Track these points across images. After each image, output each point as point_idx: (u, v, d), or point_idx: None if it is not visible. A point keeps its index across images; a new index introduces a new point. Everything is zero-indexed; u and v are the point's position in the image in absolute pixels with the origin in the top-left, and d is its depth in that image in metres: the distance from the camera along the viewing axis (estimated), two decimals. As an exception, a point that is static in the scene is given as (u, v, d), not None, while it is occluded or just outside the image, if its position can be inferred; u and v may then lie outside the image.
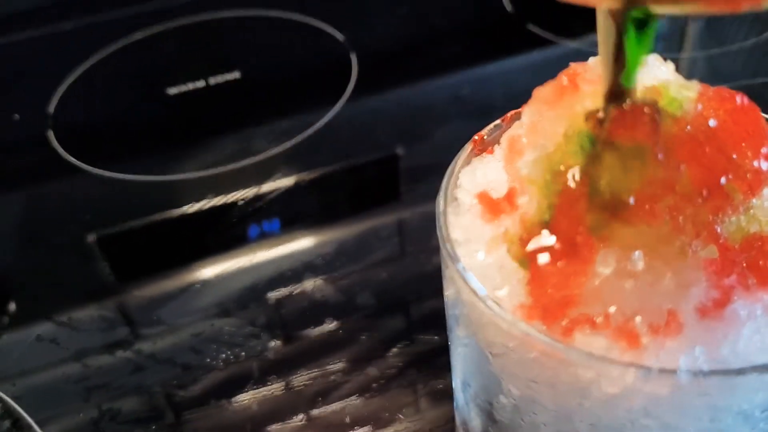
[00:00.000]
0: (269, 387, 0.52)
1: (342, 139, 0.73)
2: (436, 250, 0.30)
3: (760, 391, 0.24)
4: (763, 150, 0.25)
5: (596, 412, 0.26)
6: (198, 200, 0.67)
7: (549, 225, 0.26)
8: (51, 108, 0.79)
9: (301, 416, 0.50)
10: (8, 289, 0.62)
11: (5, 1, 0.89)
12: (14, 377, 0.54)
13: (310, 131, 0.73)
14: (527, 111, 0.28)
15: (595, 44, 0.26)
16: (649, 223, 0.24)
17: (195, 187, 0.68)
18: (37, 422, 0.51)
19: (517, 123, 0.30)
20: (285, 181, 0.68)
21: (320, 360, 0.53)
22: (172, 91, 0.80)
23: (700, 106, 0.25)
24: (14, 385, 0.53)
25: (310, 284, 0.59)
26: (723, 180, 0.24)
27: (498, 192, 0.30)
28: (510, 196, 0.28)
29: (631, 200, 0.24)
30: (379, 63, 0.83)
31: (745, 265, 0.24)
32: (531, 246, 0.26)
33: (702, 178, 0.24)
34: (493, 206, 0.29)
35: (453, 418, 0.39)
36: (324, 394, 0.51)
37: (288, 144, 0.72)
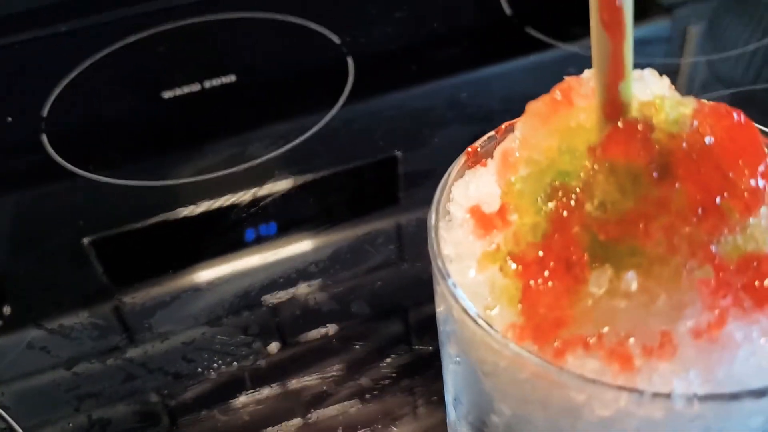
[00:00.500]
0: (263, 393, 0.52)
1: (338, 143, 0.72)
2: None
3: (755, 416, 0.23)
4: (760, 168, 0.24)
5: (589, 435, 0.25)
6: (192, 206, 0.66)
7: (541, 243, 0.26)
8: (45, 111, 0.78)
9: (295, 422, 0.50)
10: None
11: (1, 3, 0.89)
12: (4, 385, 0.53)
13: (305, 135, 0.72)
14: (520, 125, 0.27)
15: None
16: (643, 243, 0.24)
17: (190, 193, 0.68)
18: (25, 430, 0.50)
19: (510, 136, 0.30)
20: (281, 186, 0.68)
21: (315, 366, 0.53)
22: (167, 94, 0.79)
23: (696, 123, 0.24)
24: (3, 394, 0.53)
25: (305, 290, 0.58)
26: (719, 199, 0.23)
27: (491, 206, 0.30)
28: (502, 212, 0.28)
29: (626, 219, 0.24)
30: (376, 66, 0.82)
31: (740, 286, 0.24)
32: (523, 265, 0.26)
33: (698, 197, 0.24)
34: (485, 221, 0.29)
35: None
36: (319, 400, 0.51)
37: (284, 148, 0.71)
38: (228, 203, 0.66)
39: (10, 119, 0.79)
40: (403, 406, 0.50)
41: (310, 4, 0.90)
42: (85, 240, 0.64)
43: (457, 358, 0.29)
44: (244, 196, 0.67)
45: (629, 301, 0.24)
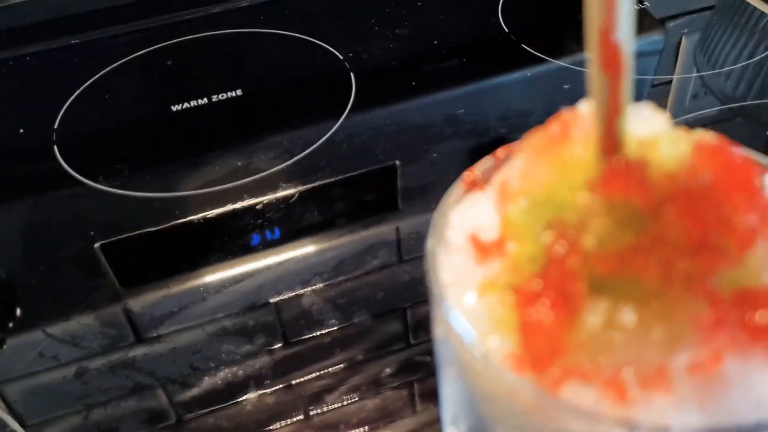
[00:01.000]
0: (268, 395, 0.51)
1: (341, 156, 0.72)
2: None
3: (750, 450, 0.23)
4: (757, 203, 0.23)
5: (585, 464, 0.25)
6: (199, 215, 0.66)
7: (540, 274, 0.25)
8: (56, 123, 0.78)
9: (298, 422, 0.49)
10: (9, 303, 0.61)
11: (13, 16, 0.88)
12: (14, 394, 0.53)
13: (310, 149, 0.72)
14: (518, 157, 0.27)
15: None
16: (639, 277, 0.23)
17: (196, 203, 0.67)
18: (33, 438, 0.50)
19: (509, 166, 0.29)
20: (285, 197, 0.67)
21: (318, 369, 0.53)
22: (176, 107, 0.79)
23: (692, 159, 0.24)
24: (15, 402, 0.52)
25: (308, 296, 0.58)
26: (715, 235, 0.23)
27: (489, 234, 0.29)
28: (501, 242, 0.27)
29: (623, 253, 0.23)
30: (377, 81, 0.82)
31: (736, 321, 0.23)
32: (521, 295, 0.25)
33: (694, 233, 0.23)
34: (483, 249, 0.28)
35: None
36: (322, 401, 0.50)
37: (288, 161, 0.71)
38: (234, 213, 0.66)
39: (21, 131, 0.78)
40: (406, 405, 0.50)
41: (314, 21, 0.90)
42: (94, 250, 0.64)
43: (454, 382, 0.29)
44: (250, 207, 0.66)
45: (626, 334, 0.24)
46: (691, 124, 0.74)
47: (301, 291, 0.58)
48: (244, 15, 0.92)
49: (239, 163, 0.71)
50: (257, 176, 0.69)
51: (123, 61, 0.85)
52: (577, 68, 0.78)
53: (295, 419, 0.50)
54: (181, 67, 0.86)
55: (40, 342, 0.56)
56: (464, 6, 0.93)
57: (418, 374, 0.52)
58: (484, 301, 0.27)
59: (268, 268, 0.61)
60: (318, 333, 0.55)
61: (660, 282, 0.23)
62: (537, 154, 0.26)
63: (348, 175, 0.69)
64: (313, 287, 0.59)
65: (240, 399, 0.51)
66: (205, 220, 0.65)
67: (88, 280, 0.61)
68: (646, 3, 0.92)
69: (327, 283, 0.59)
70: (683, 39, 0.86)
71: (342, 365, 0.53)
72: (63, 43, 0.89)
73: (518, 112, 0.75)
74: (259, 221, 0.65)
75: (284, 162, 0.70)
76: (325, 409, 0.50)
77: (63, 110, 0.79)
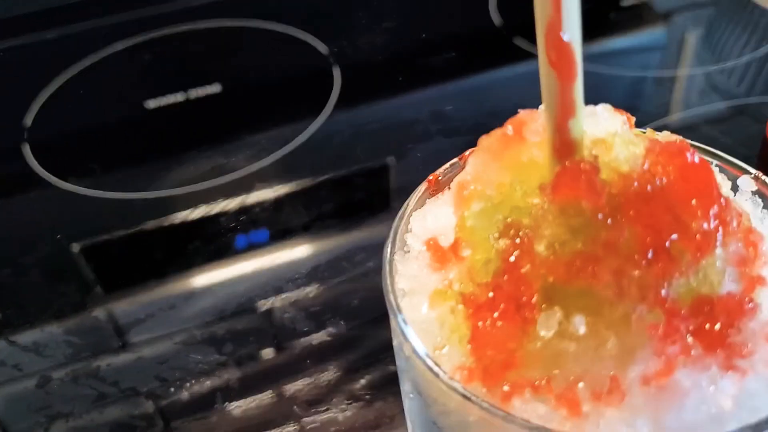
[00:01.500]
0: (253, 400, 0.51)
1: (323, 153, 0.72)
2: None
3: (705, 465, 0.23)
4: (713, 209, 0.24)
5: (538, 479, 0.25)
6: (175, 217, 0.66)
7: (491, 282, 0.25)
8: (28, 121, 0.78)
9: (287, 428, 0.50)
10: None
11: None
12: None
13: (288, 147, 0.72)
14: (472, 160, 0.27)
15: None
16: (591, 286, 0.23)
17: (172, 205, 0.67)
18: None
19: (467, 167, 0.29)
20: (263, 197, 0.67)
21: (305, 373, 0.53)
22: (151, 104, 0.79)
23: (647, 162, 0.24)
24: (-26, 413, 0.52)
25: (287, 299, 0.58)
26: (669, 241, 0.23)
27: (448, 238, 0.29)
28: (456, 247, 0.27)
29: (575, 261, 0.23)
30: (362, 76, 0.82)
31: (691, 330, 0.23)
32: (472, 304, 0.25)
33: (647, 239, 0.23)
34: (440, 255, 0.28)
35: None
36: (310, 406, 0.51)
37: (266, 159, 0.71)
38: (210, 214, 0.66)
39: (-7, 128, 0.78)
40: (394, 413, 0.50)
41: (297, 13, 0.90)
42: (62, 254, 0.64)
43: (411, 395, 0.29)
44: (226, 208, 0.66)
45: (578, 344, 0.24)
46: (694, 121, 0.74)
47: (284, 297, 0.58)
48: (224, 8, 0.92)
49: (216, 161, 0.71)
50: (234, 174, 0.69)
51: (98, 56, 0.85)
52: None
53: (284, 425, 0.50)
54: (157, 62, 0.86)
55: (2, 351, 0.56)
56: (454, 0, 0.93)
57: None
58: (437, 310, 0.27)
59: (248, 272, 0.61)
60: (302, 341, 0.55)
61: (612, 290, 0.23)
62: (492, 156, 0.26)
63: (332, 174, 0.70)
64: (295, 293, 0.59)
65: (216, 409, 0.51)
66: (181, 222, 0.66)
67: (57, 286, 0.61)
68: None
69: (308, 288, 0.59)
70: (687, 34, 0.86)
71: (327, 374, 0.53)
72: (36, 38, 0.89)
73: (509, 108, 0.74)
74: (238, 224, 0.65)
75: (264, 161, 0.70)
76: (313, 416, 0.50)
77: (35, 108, 0.79)
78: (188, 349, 0.55)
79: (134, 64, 0.85)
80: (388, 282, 0.28)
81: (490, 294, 0.25)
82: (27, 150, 0.74)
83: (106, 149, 0.76)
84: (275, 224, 0.65)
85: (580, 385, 0.24)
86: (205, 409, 0.51)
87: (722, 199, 0.24)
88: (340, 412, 0.50)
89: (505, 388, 0.24)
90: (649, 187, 0.23)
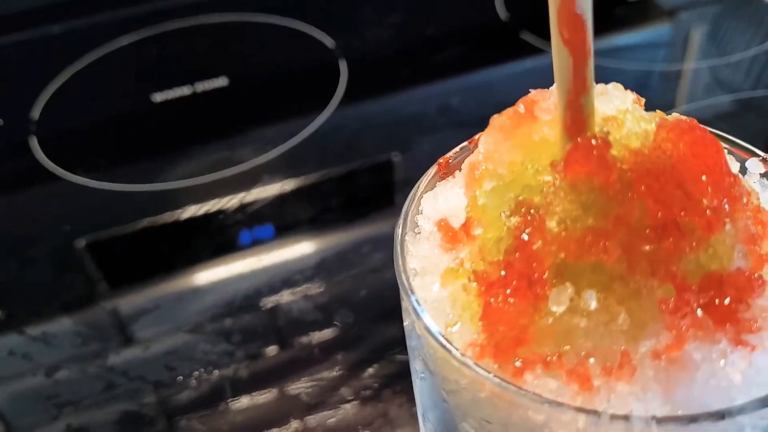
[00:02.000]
0: (255, 397, 0.52)
1: (329, 147, 0.72)
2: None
3: (715, 438, 0.23)
4: (724, 184, 0.24)
5: (549, 454, 0.25)
6: (182, 210, 0.66)
7: (503, 260, 0.25)
8: (35, 114, 0.78)
9: (290, 425, 0.50)
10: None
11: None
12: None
13: (295, 140, 0.72)
14: (484, 139, 0.27)
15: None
16: (602, 261, 0.24)
17: (179, 197, 0.68)
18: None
19: (477, 149, 0.29)
20: (269, 190, 0.68)
21: (308, 370, 0.53)
22: (158, 97, 0.80)
23: (658, 139, 0.24)
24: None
25: (293, 294, 0.58)
26: (680, 217, 0.23)
27: (458, 219, 0.29)
28: (467, 226, 0.28)
29: (586, 236, 0.24)
30: (369, 70, 0.82)
31: (701, 305, 0.23)
32: (484, 282, 0.25)
33: (658, 214, 0.23)
34: (451, 235, 0.29)
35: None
36: (312, 403, 0.51)
37: (273, 152, 0.71)
38: (216, 208, 0.66)
39: (0, 121, 0.79)
40: (397, 409, 0.50)
41: (303, 7, 0.91)
42: (70, 246, 0.65)
43: (423, 374, 0.29)
44: (233, 201, 0.67)
45: (589, 320, 0.24)
46: (700, 116, 0.74)
47: (291, 291, 0.59)
48: (231, 2, 0.92)
49: (222, 154, 0.72)
50: (240, 167, 0.70)
51: (105, 50, 0.85)
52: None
53: (285, 424, 0.50)
54: (165, 55, 0.86)
55: (11, 341, 0.56)
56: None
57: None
58: (449, 289, 0.27)
59: (256, 265, 0.61)
60: (309, 335, 0.55)
61: (623, 265, 0.24)
62: (503, 135, 0.26)
63: (338, 168, 0.70)
64: (302, 287, 0.59)
65: (223, 403, 0.51)
66: (188, 214, 0.66)
67: (65, 278, 0.62)
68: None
69: (316, 282, 0.59)
70: (692, 29, 0.86)
71: (335, 368, 0.53)
72: (44, 31, 0.89)
73: (515, 102, 0.75)
74: (244, 216, 0.65)
75: (271, 153, 0.71)
76: (316, 413, 0.50)
77: (43, 101, 0.80)
78: (195, 342, 0.56)
79: (141, 57, 0.86)
80: (400, 262, 0.29)
81: (502, 272, 0.25)
82: (34, 143, 0.75)
83: (113, 142, 0.76)
84: (281, 218, 0.66)
85: (591, 360, 0.24)
86: (211, 402, 0.52)
87: (732, 176, 0.24)
88: (346, 406, 0.50)
89: (517, 363, 0.24)
90: (659, 163, 0.24)
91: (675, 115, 0.29)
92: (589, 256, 0.24)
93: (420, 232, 0.31)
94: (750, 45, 0.82)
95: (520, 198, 0.26)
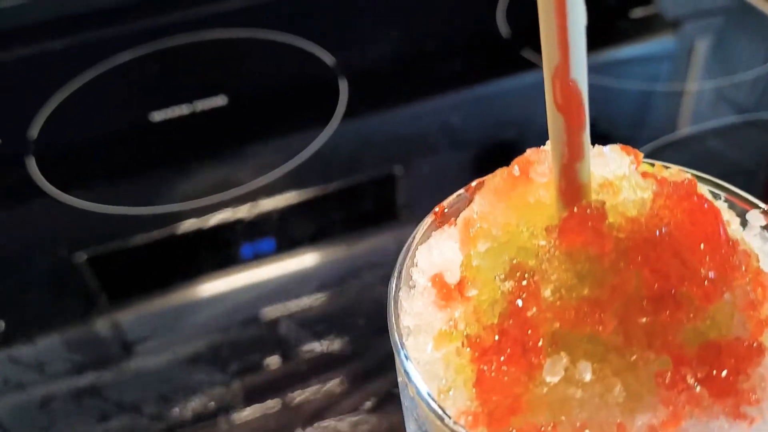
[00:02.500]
0: (257, 409, 0.52)
1: (330, 165, 0.72)
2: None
3: None
4: (723, 253, 0.23)
5: None
6: (180, 230, 0.66)
7: (497, 324, 0.25)
8: (33, 132, 0.78)
9: None
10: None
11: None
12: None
13: (297, 158, 0.72)
14: (478, 200, 0.27)
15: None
16: (598, 332, 0.23)
17: (177, 220, 0.67)
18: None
19: (473, 203, 0.29)
20: (272, 207, 0.67)
21: (310, 382, 0.53)
22: (157, 116, 0.79)
23: (655, 206, 0.24)
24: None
25: (296, 309, 0.58)
26: (677, 288, 0.23)
27: (453, 273, 0.29)
28: (461, 286, 0.27)
29: (582, 306, 0.23)
30: (369, 88, 0.82)
31: (699, 378, 0.23)
32: (478, 347, 0.25)
33: (655, 285, 0.23)
34: (445, 293, 0.28)
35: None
36: (315, 415, 0.51)
37: (275, 172, 0.71)
38: (216, 227, 0.66)
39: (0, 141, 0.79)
40: (397, 425, 0.50)
41: (303, 24, 0.90)
42: (66, 266, 0.64)
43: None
44: (233, 221, 0.67)
45: (585, 391, 0.24)
46: (704, 134, 0.74)
47: (289, 309, 0.58)
48: (230, 19, 0.92)
49: (221, 174, 0.71)
50: (240, 187, 0.69)
51: (103, 67, 0.85)
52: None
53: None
54: (163, 73, 0.86)
55: (3, 370, 0.56)
56: (461, 10, 0.93)
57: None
58: (443, 350, 0.27)
59: (253, 285, 0.61)
60: (312, 349, 0.55)
61: (619, 337, 0.23)
62: (498, 196, 0.26)
63: (338, 187, 0.70)
64: (301, 305, 0.59)
65: (222, 419, 0.51)
66: (185, 237, 0.66)
67: (59, 301, 0.62)
68: (655, 7, 0.91)
69: (314, 300, 0.59)
70: (695, 47, 0.86)
71: (333, 386, 0.53)
72: (42, 48, 0.89)
73: (516, 119, 0.75)
74: (243, 237, 0.65)
75: (270, 174, 0.70)
76: (318, 427, 0.50)
77: (41, 120, 0.79)
78: (193, 360, 0.56)
79: (139, 75, 0.86)
80: (393, 320, 0.28)
81: (496, 337, 0.25)
82: (32, 163, 0.74)
83: (111, 162, 0.76)
84: (282, 235, 0.65)
85: (587, 432, 0.23)
86: (210, 420, 0.51)
87: (730, 243, 0.24)
88: (344, 423, 0.50)
89: (511, 433, 0.24)
90: (656, 232, 0.23)
91: (675, 169, 0.29)
92: (585, 326, 0.23)
93: (414, 286, 0.30)
94: (754, 63, 0.82)
95: (515, 261, 0.25)
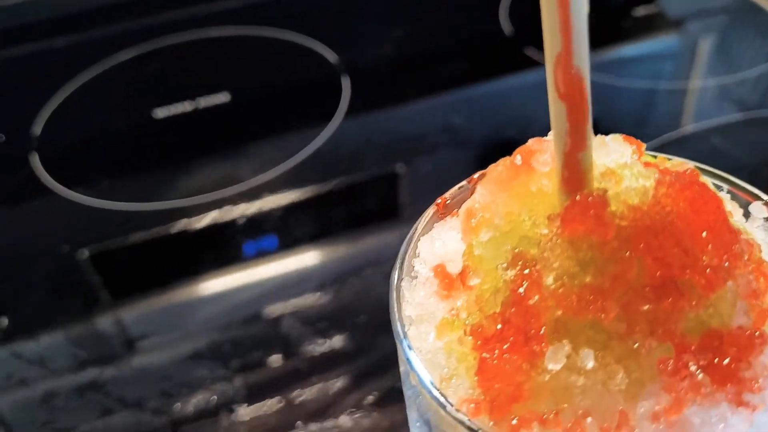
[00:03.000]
0: (260, 406, 0.52)
1: (332, 163, 0.72)
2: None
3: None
4: (725, 241, 0.23)
5: None
6: (182, 227, 0.66)
7: (500, 313, 0.25)
8: (36, 130, 0.78)
9: None
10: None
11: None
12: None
13: (299, 156, 0.72)
14: (480, 190, 0.27)
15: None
16: (600, 319, 0.23)
17: (179, 216, 0.67)
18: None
19: (475, 194, 0.29)
20: (274, 205, 0.68)
21: (313, 380, 0.53)
22: (160, 113, 0.79)
23: (658, 195, 0.24)
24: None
25: (298, 307, 0.58)
26: (679, 276, 0.23)
27: (455, 264, 0.29)
28: (463, 275, 0.27)
29: (584, 293, 0.23)
30: (371, 85, 0.82)
31: (701, 366, 0.23)
32: (480, 335, 0.25)
33: (657, 273, 0.23)
34: (447, 283, 0.28)
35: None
36: (317, 413, 0.51)
37: (277, 169, 0.71)
38: (218, 224, 0.66)
39: (2, 137, 0.79)
40: (399, 421, 0.50)
41: (306, 22, 0.90)
42: (70, 262, 0.64)
43: (417, 423, 0.29)
44: (235, 218, 0.67)
45: (587, 378, 0.24)
46: (707, 132, 0.74)
47: (291, 307, 0.59)
48: (233, 16, 0.92)
49: (223, 171, 0.72)
50: (243, 186, 0.69)
51: (106, 64, 0.85)
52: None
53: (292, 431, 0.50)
54: (166, 70, 0.86)
55: (6, 366, 0.56)
56: (464, 9, 0.93)
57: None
58: (445, 339, 0.27)
59: (255, 282, 0.61)
60: (314, 346, 0.55)
61: (622, 325, 0.23)
62: (500, 186, 0.26)
63: (340, 184, 0.70)
64: (303, 302, 0.59)
65: (223, 418, 0.51)
66: (188, 233, 0.66)
67: (62, 297, 0.62)
68: (658, 6, 0.91)
69: (316, 298, 0.59)
70: (698, 45, 0.86)
71: (335, 384, 0.53)
72: (45, 46, 0.89)
73: (518, 117, 0.75)
74: (245, 234, 0.65)
75: (272, 171, 0.70)
76: (320, 424, 0.50)
77: (44, 117, 0.79)
78: (196, 357, 0.56)
79: (142, 72, 0.86)
80: (395, 310, 0.28)
81: (498, 326, 0.25)
82: (35, 159, 0.75)
83: (114, 159, 0.76)
84: (284, 233, 0.66)
85: (589, 419, 0.23)
86: (212, 417, 0.52)
87: (733, 232, 0.24)
88: (346, 420, 0.50)
89: (513, 421, 0.24)
90: (658, 220, 0.23)
91: (677, 160, 0.29)
92: (587, 313, 0.23)
93: (416, 277, 0.30)
94: (757, 61, 0.82)
95: (517, 250, 0.25)
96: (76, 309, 0.61)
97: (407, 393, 0.29)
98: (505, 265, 0.26)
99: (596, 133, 0.25)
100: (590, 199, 0.23)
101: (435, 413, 0.26)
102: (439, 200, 0.33)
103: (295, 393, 0.52)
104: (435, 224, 0.32)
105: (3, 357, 0.57)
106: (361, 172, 0.71)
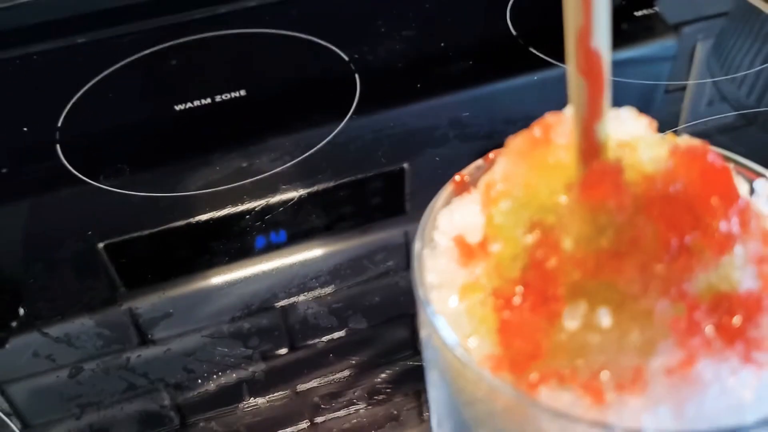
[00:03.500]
0: (268, 399, 0.52)
1: (344, 157, 0.73)
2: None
3: (724, 453, 0.23)
4: (733, 209, 0.24)
5: (562, 466, 0.25)
6: (200, 216, 0.67)
7: (519, 277, 0.26)
8: (60, 122, 0.79)
9: (301, 427, 0.50)
10: (7, 302, 0.62)
11: (17, 16, 0.90)
12: (7, 392, 0.54)
13: (312, 150, 0.73)
14: (500, 161, 0.27)
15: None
16: (616, 281, 0.24)
17: (198, 204, 0.68)
18: (27, 436, 0.51)
19: (494, 168, 0.30)
20: (286, 199, 0.68)
21: (320, 373, 0.54)
22: (179, 107, 0.80)
23: (670, 165, 0.25)
24: (7, 401, 0.53)
25: (310, 298, 0.59)
26: (690, 239, 0.23)
27: (475, 235, 0.30)
28: (484, 243, 0.28)
29: (600, 257, 0.24)
30: (382, 83, 0.82)
31: (712, 325, 0.24)
32: (500, 296, 0.26)
33: (669, 237, 0.24)
34: (468, 251, 0.29)
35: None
36: (324, 406, 0.51)
37: (290, 163, 0.72)
38: (234, 214, 0.67)
39: (25, 129, 0.80)
40: (409, 414, 0.51)
41: (320, 22, 0.91)
42: (94, 250, 0.65)
43: (439, 384, 0.30)
44: (251, 208, 0.67)
45: (603, 336, 0.24)
46: (705, 131, 0.75)
47: (305, 295, 0.59)
48: (250, 15, 0.93)
49: (242, 164, 0.72)
50: (259, 177, 0.70)
51: (127, 60, 0.86)
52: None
53: (298, 426, 0.50)
54: (185, 67, 0.87)
55: (35, 342, 0.57)
56: (472, 8, 0.94)
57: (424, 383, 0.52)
58: (466, 302, 0.28)
59: (271, 271, 0.62)
60: (322, 339, 0.56)
61: (637, 285, 0.24)
62: (519, 157, 0.27)
63: (352, 177, 0.70)
64: (316, 292, 0.60)
65: (239, 404, 0.52)
66: (207, 221, 0.67)
67: (87, 281, 0.63)
68: (656, 8, 0.92)
69: (329, 287, 0.60)
70: (697, 45, 0.86)
71: (347, 372, 0.53)
72: (67, 43, 0.90)
73: (525, 116, 0.75)
74: (262, 223, 0.66)
75: (287, 163, 0.71)
76: (328, 416, 0.51)
77: (66, 109, 0.80)
78: (212, 343, 0.56)
79: (163, 68, 0.87)
80: (417, 275, 0.29)
81: (518, 288, 0.26)
82: (59, 150, 0.75)
83: (136, 150, 0.77)
84: (297, 225, 0.66)
85: (604, 374, 0.24)
86: (227, 403, 0.52)
87: (742, 200, 0.25)
88: (359, 407, 0.51)
89: (532, 377, 0.25)
90: (671, 188, 0.24)
91: (686, 137, 0.29)
92: (603, 275, 0.24)
93: (436, 247, 0.31)
94: (756, 61, 0.82)
95: (536, 218, 0.26)
96: (95, 295, 0.62)
97: (428, 356, 0.30)
98: (523, 231, 0.26)
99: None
100: (607, 167, 0.24)
101: (457, 372, 0.27)
102: (457, 177, 0.33)
103: (304, 383, 0.53)
104: (453, 199, 0.33)
105: (31, 339, 0.58)
106: (372, 166, 0.72)
